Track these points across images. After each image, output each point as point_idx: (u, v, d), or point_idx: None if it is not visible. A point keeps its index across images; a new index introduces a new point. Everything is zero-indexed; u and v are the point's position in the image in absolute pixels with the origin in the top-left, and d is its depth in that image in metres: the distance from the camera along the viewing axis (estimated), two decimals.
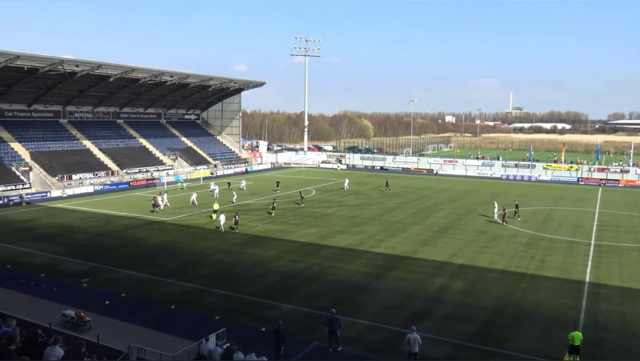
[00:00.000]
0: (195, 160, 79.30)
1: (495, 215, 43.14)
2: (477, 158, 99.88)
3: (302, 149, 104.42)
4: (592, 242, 36.20)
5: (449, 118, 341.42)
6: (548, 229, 40.49)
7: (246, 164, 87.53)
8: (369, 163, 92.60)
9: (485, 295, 24.94)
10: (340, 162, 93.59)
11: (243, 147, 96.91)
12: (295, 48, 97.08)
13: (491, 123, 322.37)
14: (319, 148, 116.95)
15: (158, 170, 71.16)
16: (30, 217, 43.29)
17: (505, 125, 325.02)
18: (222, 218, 38.48)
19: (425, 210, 48.19)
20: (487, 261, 30.81)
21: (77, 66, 59.18)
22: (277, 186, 60.76)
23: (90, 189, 59.42)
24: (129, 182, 64.69)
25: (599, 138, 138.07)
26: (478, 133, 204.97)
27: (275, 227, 39.89)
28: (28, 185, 55.71)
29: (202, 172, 73.65)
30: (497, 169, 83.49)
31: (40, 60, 55.12)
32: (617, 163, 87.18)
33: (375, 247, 33.78)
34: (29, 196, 52.54)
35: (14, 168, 56.73)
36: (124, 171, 67.03)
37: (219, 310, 22.50)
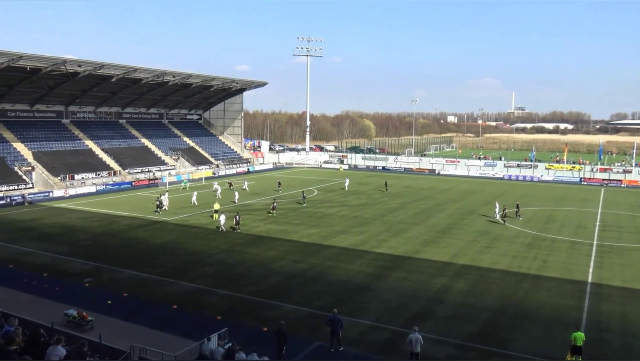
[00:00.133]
0: (197, 160, 79.38)
1: (497, 215, 43.07)
2: (479, 158, 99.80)
3: (304, 149, 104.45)
4: (595, 243, 36.13)
5: (451, 119, 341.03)
6: (550, 229, 40.44)
7: (248, 164, 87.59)
8: (371, 163, 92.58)
9: (487, 295, 24.92)
10: (342, 162, 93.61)
11: (245, 147, 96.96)
12: (297, 48, 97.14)
13: (493, 124, 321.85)
14: (321, 149, 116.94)
15: (160, 170, 71.24)
16: (32, 217, 43.39)
17: (508, 125, 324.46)
18: (223, 218, 38.54)
19: (427, 210, 48.16)
20: (489, 261, 30.78)
21: (79, 66, 59.31)
22: (279, 186, 60.81)
23: (93, 189, 59.53)
24: (131, 182, 64.79)
25: (601, 139, 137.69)
26: (480, 133, 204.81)
27: (277, 227, 39.91)
28: (30, 185, 55.83)
29: (204, 172, 73.72)
30: (499, 169, 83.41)
31: (43, 61, 55.26)
32: (619, 164, 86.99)
33: (377, 247, 33.77)
34: (32, 196, 52.65)
35: (16, 168, 56.87)
36: (126, 171, 67.13)
37: (221, 310, 22.52)
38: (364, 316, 21.91)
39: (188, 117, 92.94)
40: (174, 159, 76.36)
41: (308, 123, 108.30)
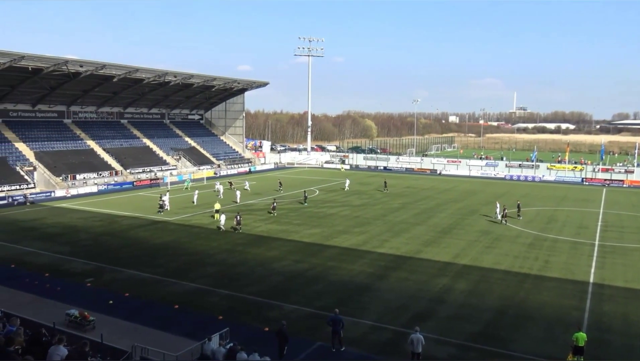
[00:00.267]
0: (199, 160, 79.43)
1: (498, 215, 43.04)
2: (480, 158, 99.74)
3: (305, 149, 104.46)
4: (596, 243, 36.08)
5: (452, 119, 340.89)
6: (552, 229, 40.38)
7: (249, 164, 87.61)
8: (372, 163, 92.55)
9: (489, 295, 24.89)
10: (343, 162, 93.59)
11: (246, 147, 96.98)
12: (298, 48, 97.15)
13: (495, 124, 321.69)
14: (323, 149, 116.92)
15: (162, 170, 71.32)
16: (34, 217, 43.44)
17: (509, 125, 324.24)
18: (223, 218, 38.56)
19: (428, 211, 48.14)
20: (491, 261, 30.75)
21: (81, 66, 59.38)
22: (280, 186, 60.84)
23: (94, 189, 59.60)
24: (133, 182, 64.85)
25: (603, 139, 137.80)
26: (482, 133, 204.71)
27: (278, 227, 39.91)
28: (32, 185, 55.90)
29: (206, 172, 73.77)
30: (500, 169, 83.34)
31: (45, 61, 55.33)
32: (621, 164, 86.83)
33: (379, 247, 33.76)
34: (33, 196, 52.73)
35: (18, 168, 56.95)
36: (128, 171, 67.20)
37: (222, 310, 22.52)
38: (365, 317, 21.90)
39: (189, 117, 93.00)
40: (175, 159, 76.41)
41: (309, 123, 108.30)
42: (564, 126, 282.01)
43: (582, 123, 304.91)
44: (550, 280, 27.39)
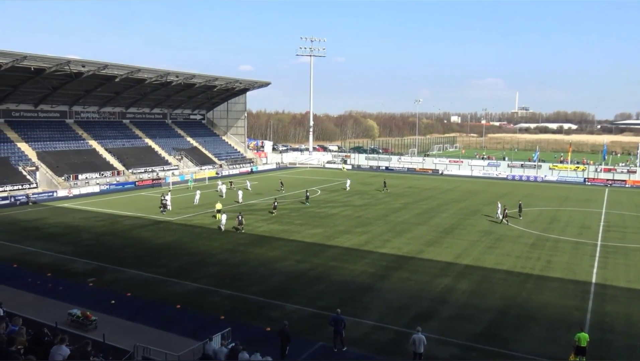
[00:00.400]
0: (201, 160, 79.49)
1: (499, 215, 42.98)
2: (482, 158, 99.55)
3: (307, 149, 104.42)
4: (599, 243, 36.01)
5: (454, 119, 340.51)
6: (554, 230, 40.32)
7: (251, 164, 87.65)
8: (374, 163, 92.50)
9: (491, 295, 24.86)
10: (345, 162, 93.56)
11: (248, 147, 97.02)
12: (300, 48, 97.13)
13: (497, 124, 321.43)
14: (324, 149, 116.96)
15: (164, 170, 71.38)
16: (36, 217, 43.52)
17: (511, 125, 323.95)
18: (224, 218, 38.58)
19: (430, 211, 48.10)
20: (493, 262, 30.71)
21: (83, 66, 59.46)
22: (281, 186, 60.88)
23: (96, 189, 59.68)
24: (135, 182, 64.92)
25: (605, 139, 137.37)
26: (484, 133, 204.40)
27: (280, 227, 39.92)
28: (34, 185, 56.00)
29: (208, 172, 73.81)
30: (502, 169, 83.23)
31: (47, 61, 55.41)
32: (623, 164, 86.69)
33: (381, 247, 33.74)
34: (36, 196, 52.82)
35: (20, 168, 57.05)
36: (130, 171, 67.27)
37: (224, 309, 22.54)
38: (367, 317, 21.89)
39: (191, 117, 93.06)
40: (177, 159, 76.48)
41: (311, 123, 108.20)
42: (566, 126, 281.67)
43: (585, 124, 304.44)
44: (552, 280, 27.35)
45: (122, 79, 66.00)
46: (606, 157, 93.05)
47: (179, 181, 67.62)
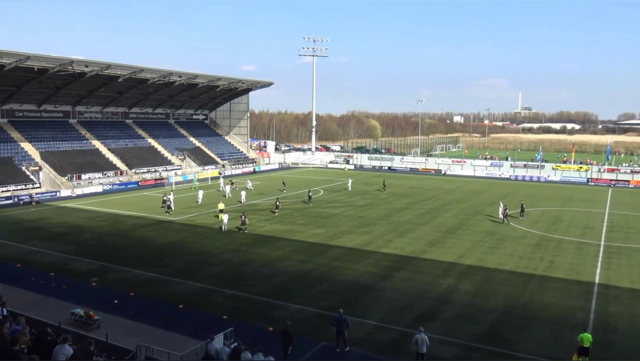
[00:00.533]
0: (204, 160, 79.56)
1: (500, 215, 42.92)
2: (485, 158, 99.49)
3: (309, 149, 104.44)
4: (602, 243, 35.92)
5: (457, 119, 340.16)
6: (557, 230, 40.23)
7: (254, 164, 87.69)
8: (376, 163, 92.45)
9: (494, 296, 24.82)
10: (348, 162, 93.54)
11: (251, 147, 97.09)
12: (303, 48, 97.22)
13: (500, 124, 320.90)
14: (327, 149, 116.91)
15: (166, 170, 71.47)
16: (39, 216, 43.63)
17: (514, 125, 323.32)
18: (226, 217, 38.59)
19: (433, 211, 48.04)
20: (496, 262, 30.66)
21: (86, 66, 59.56)
22: (283, 186, 60.90)
23: (99, 189, 59.80)
24: (138, 181, 65.02)
25: (608, 139, 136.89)
26: (486, 133, 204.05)
27: (282, 227, 39.93)
28: (38, 185, 56.14)
29: (210, 172, 73.85)
30: (505, 169, 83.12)
31: (50, 61, 55.53)
32: (627, 164, 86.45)
33: (383, 248, 33.72)
34: (39, 195, 52.95)
35: (24, 168, 57.20)
36: (133, 171, 67.38)
37: (227, 309, 22.56)
38: (369, 317, 21.88)
39: (194, 117, 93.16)
40: (180, 159, 76.57)
41: (314, 123, 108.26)
42: (569, 126, 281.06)
43: (588, 124, 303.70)
44: (555, 280, 27.29)
45: (125, 79, 66.11)
46: (609, 157, 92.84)
47: (182, 181, 67.70)
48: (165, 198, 47.21)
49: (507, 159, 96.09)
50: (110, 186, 61.38)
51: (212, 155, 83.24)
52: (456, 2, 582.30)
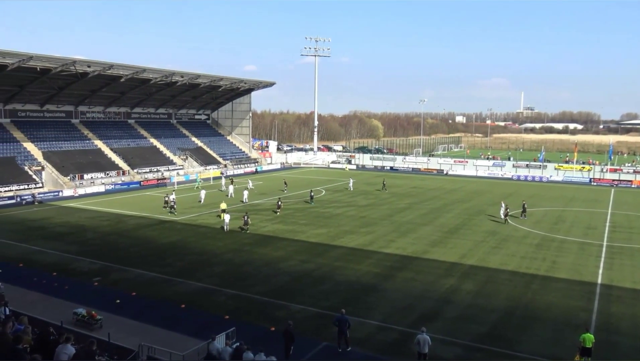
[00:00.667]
0: (206, 160, 79.62)
1: (502, 215, 42.86)
2: (487, 158, 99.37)
3: (311, 149, 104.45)
4: (604, 244, 35.84)
5: (459, 119, 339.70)
6: (559, 230, 40.17)
7: (256, 164, 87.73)
8: (378, 163, 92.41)
9: (496, 296, 24.79)
10: (349, 162, 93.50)
11: (253, 147, 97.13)
12: (305, 48, 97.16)
13: (502, 124, 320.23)
14: (329, 149, 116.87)
15: (169, 170, 71.56)
16: (42, 216, 43.71)
17: (517, 125, 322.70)
18: (227, 217, 38.61)
19: (435, 211, 48.00)
20: (498, 262, 30.63)
21: (88, 67, 59.67)
22: (285, 186, 60.92)
23: (102, 189, 59.89)
24: (140, 181, 65.10)
25: (611, 139, 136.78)
26: (489, 133, 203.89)
27: (284, 227, 39.94)
28: (40, 185, 56.24)
29: (212, 172, 73.91)
30: (508, 170, 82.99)
31: (53, 61, 55.65)
32: (630, 164, 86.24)
33: (385, 248, 33.70)
34: (41, 195, 53.04)
35: (26, 168, 57.32)
36: (135, 171, 67.47)
37: (229, 309, 22.57)
38: (371, 317, 21.87)
39: (196, 117, 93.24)
40: (182, 159, 76.65)
41: (316, 123, 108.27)
42: (571, 126, 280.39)
43: (590, 124, 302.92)
44: (557, 280, 27.24)
45: (127, 79, 66.22)
46: (612, 157, 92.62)
47: (184, 181, 67.78)
48: (167, 198, 47.36)
49: (509, 159, 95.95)
50: (113, 186, 61.46)
51: (214, 155, 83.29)
52: (457, 2, 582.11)
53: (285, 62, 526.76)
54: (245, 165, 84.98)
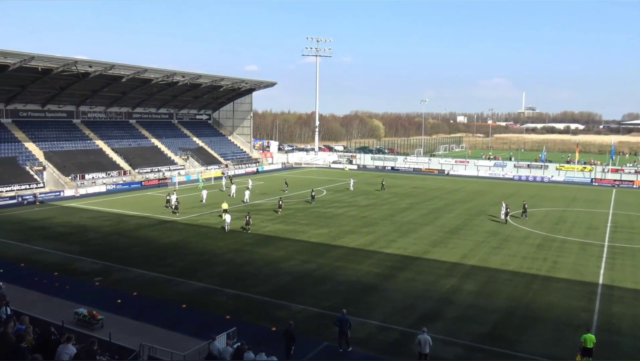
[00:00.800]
0: (207, 160, 79.67)
1: (502, 215, 42.84)
2: (489, 158, 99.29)
3: (313, 149, 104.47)
4: (606, 244, 35.80)
5: (460, 119, 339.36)
6: (561, 230, 40.13)
7: (257, 164, 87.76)
8: (379, 163, 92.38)
9: (497, 296, 24.78)
10: (350, 162, 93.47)
11: (254, 147, 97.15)
12: (306, 48, 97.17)
13: (503, 124, 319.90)
14: (330, 149, 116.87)
15: (170, 170, 71.62)
16: (43, 216, 43.77)
17: (518, 125, 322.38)
18: (228, 217, 38.63)
19: (436, 211, 47.98)
20: (499, 262, 30.60)
21: (90, 67, 59.74)
22: (286, 186, 60.93)
23: (103, 189, 59.95)
24: (141, 181, 65.15)
25: (613, 139, 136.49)
26: (490, 133, 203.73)
27: (285, 226, 39.95)
28: (42, 185, 56.32)
29: (214, 172, 73.95)
30: (509, 170, 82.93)
31: (54, 61, 55.71)
32: (631, 164, 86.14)
33: (386, 248, 33.70)
34: (43, 195, 53.12)
35: (28, 168, 57.39)
36: (136, 171, 67.53)
37: (230, 309, 22.58)
38: (372, 317, 21.87)
39: (197, 117, 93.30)
40: (183, 159, 76.70)
41: (317, 123, 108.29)
42: (573, 126, 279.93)
43: (592, 124, 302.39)
44: (558, 281, 27.22)
45: (128, 79, 66.27)
46: (614, 158, 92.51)
47: (185, 181, 67.82)
48: (168, 198, 47.41)
49: (510, 159, 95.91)
50: (114, 186, 61.52)
51: (216, 155, 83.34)
52: (459, 2, 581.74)
53: (287, 62, 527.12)
54: (247, 165, 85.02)
